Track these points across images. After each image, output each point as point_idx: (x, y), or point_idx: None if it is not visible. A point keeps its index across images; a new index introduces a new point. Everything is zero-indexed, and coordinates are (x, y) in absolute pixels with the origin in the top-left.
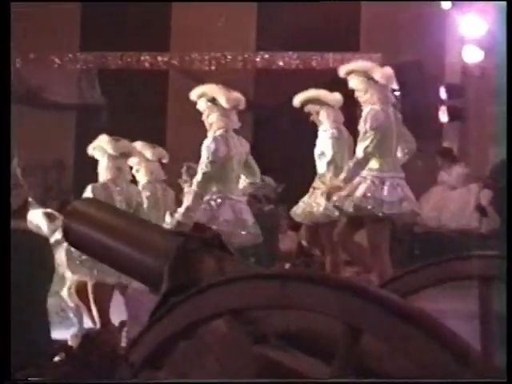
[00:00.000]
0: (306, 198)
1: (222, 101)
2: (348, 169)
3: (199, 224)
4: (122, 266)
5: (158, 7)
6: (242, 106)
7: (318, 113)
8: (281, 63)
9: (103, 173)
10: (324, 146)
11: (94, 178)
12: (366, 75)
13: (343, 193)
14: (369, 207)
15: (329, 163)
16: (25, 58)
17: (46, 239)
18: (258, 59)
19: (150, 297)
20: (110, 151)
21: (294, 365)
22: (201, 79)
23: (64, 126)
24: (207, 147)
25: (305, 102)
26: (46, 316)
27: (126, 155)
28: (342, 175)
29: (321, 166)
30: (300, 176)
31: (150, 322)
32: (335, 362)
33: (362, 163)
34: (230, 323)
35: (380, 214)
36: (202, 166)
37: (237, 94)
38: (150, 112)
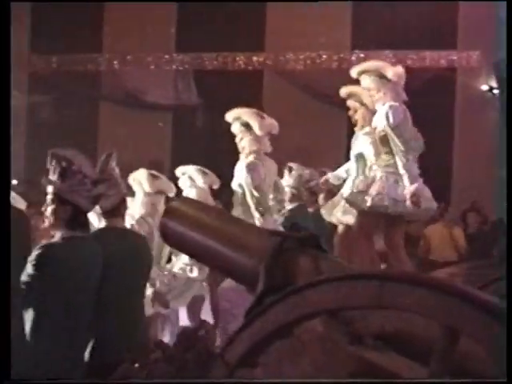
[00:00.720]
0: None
1: (256, 127)
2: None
3: (296, 224)
4: (218, 264)
5: (253, 7)
6: (276, 131)
7: (356, 111)
8: None
9: (137, 207)
10: (363, 147)
11: None
12: (378, 74)
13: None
14: (385, 204)
15: (366, 167)
16: (122, 60)
17: (143, 237)
18: (353, 58)
19: (246, 296)
20: (147, 189)
21: (390, 366)
22: (295, 79)
23: (161, 127)
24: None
25: (348, 96)
26: (143, 312)
27: (162, 193)
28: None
29: (355, 168)
30: None
31: (246, 321)
32: (433, 364)
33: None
34: (326, 323)
35: (394, 212)
36: (252, 191)
37: (270, 121)
38: None
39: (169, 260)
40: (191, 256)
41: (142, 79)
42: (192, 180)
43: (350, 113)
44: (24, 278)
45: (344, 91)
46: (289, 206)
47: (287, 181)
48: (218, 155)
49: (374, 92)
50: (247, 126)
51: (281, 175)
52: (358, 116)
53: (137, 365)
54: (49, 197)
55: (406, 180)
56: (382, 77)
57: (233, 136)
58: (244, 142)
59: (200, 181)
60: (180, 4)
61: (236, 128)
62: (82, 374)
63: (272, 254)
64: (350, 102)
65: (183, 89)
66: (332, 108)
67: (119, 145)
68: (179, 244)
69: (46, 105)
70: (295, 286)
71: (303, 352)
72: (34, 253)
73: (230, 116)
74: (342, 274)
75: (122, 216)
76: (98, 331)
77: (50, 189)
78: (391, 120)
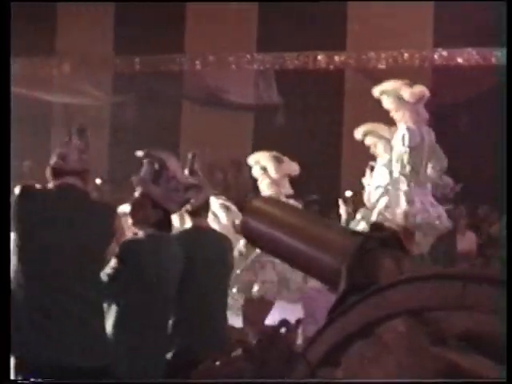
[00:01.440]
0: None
1: (272, 171)
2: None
3: (378, 223)
4: (299, 263)
5: (334, 6)
6: (296, 173)
7: (375, 145)
8: (459, 60)
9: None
10: (382, 180)
11: None
12: (396, 94)
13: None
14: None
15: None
16: (204, 60)
17: (225, 237)
18: (435, 56)
19: (327, 295)
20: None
21: (473, 367)
22: (377, 78)
23: (242, 126)
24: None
25: (364, 134)
26: (225, 310)
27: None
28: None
29: (375, 197)
30: (479, 175)
31: (328, 320)
32: None
33: (399, 183)
34: (409, 323)
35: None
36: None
37: (289, 164)
38: (327, 111)
39: None
40: (273, 255)
41: (223, 79)
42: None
43: (372, 150)
44: (107, 270)
45: (360, 132)
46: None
47: (368, 180)
48: (299, 154)
49: (393, 112)
50: (265, 170)
51: (363, 175)
52: (378, 150)
53: (218, 363)
54: (137, 195)
55: (401, 201)
56: (400, 97)
57: (313, 134)
58: (262, 186)
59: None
60: (261, 4)
61: (256, 172)
62: (163, 371)
63: (354, 253)
64: (369, 139)
65: (264, 88)
66: None
67: (201, 144)
68: (260, 242)
69: (129, 105)
70: (377, 286)
71: (385, 351)
72: (119, 247)
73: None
74: (424, 273)
75: (206, 216)
76: (179, 329)
77: (139, 188)
78: (406, 142)
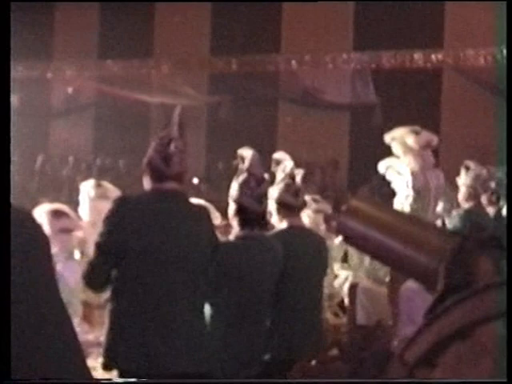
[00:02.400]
0: None
1: (411, 142)
2: None
3: (477, 224)
4: (396, 264)
5: (431, 4)
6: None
7: (395, 181)
8: None
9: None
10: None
11: (367, 176)
12: (403, 141)
13: None
14: None
15: None
16: (300, 59)
17: (320, 236)
18: None
19: (423, 296)
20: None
21: None
22: (476, 77)
23: (338, 126)
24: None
25: (386, 169)
26: (321, 310)
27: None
28: None
29: None
30: None
31: (426, 321)
32: None
33: None
34: (507, 325)
35: None
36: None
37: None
38: (424, 111)
39: None
40: (370, 255)
41: (319, 79)
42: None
43: (392, 185)
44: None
45: (383, 165)
46: (465, 205)
47: (464, 179)
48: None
49: (402, 158)
50: (405, 145)
51: (457, 173)
52: (395, 185)
53: (314, 362)
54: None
55: None
56: (406, 144)
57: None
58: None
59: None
60: (357, 3)
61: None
62: (260, 372)
63: (452, 254)
64: (389, 175)
65: (361, 88)
66: None
67: (297, 144)
68: (358, 243)
69: (225, 105)
70: (475, 288)
71: (484, 353)
72: (213, 249)
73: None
74: None
75: (300, 215)
76: (276, 330)
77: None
78: (410, 187)
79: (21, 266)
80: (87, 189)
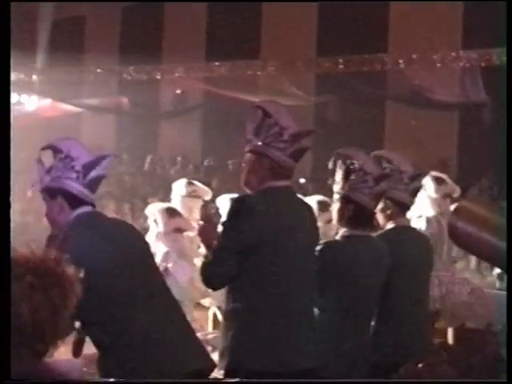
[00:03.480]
0: None
1: (431, 191)
2: None
3: None
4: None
5: None
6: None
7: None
8: None
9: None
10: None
11: (477, 176)
12: (424, 188)
13: None
14: None
15: None
16: (408, 58)
17: (425, 236)
18: None
19: None
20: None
21: None
22: None
23: (447, 125)
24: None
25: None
26: (427, 311)
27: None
28: None
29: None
30: None
31: None
32: None
33: None
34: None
35: None
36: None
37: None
38: None
39: None
40: (480, 257)
41: (428, 77)
42: None
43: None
44: None
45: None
46: None
47: None
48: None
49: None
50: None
51: None
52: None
53: (420, 365)
54: (334, 195)
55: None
56: (426, 191)
57: None
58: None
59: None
60: (465, 2)
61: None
62: (366, 372)
63: None
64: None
65: (470, 86)
66: None
67: (405, 144)
68: (469, 245)
69: (332, 105)
70: None
71: None
72: (318, 249)
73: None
74: None
75: (407, 215)
76: (383, 330)
77: (335, 187)
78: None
79: (131, 271)
80: (179, 187)
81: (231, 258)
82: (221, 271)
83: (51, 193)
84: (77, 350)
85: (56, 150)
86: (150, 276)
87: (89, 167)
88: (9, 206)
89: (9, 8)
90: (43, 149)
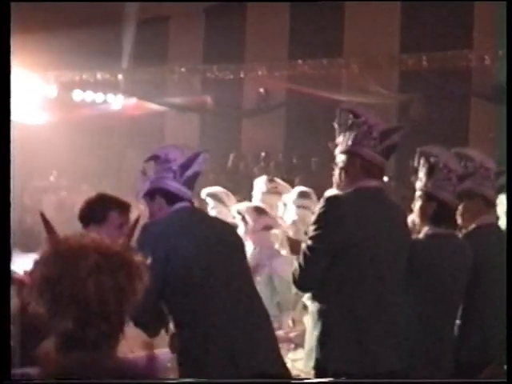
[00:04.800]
0: None
1: None
2: None
3: None
4: None
5: None
6: None
7: None
8: None
9: None
10: None
11: None
12: None
13: None
14: None
15: None
16: (494, 55)
17: (504, 234)
18: None
19: None
20: None
21: None
22: None
23: None
24: None
25: None
26: None
27: None
28: None
29: None
30: None
31: None
32: None
33: None
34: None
35: None
36: None
37: None
38: None
39: None
40: None
41: None
42: None
43: None
44: None
45: None
46: None
47: None
48: None
49: None
50: None
51: None
52: None
53: (506, 366)
54: (417, 193)
55: None
56: None
57: None
58: None
59: None
60: None
61: None
62: (451, 371)
63: None
64: None
65: None
66: None
67: (490, 142)
68: None
69: (416, 103)
70: None
71: None
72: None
73: None
74: None
75: (494, 212)
76: (468, 330)
77: (418, 185)
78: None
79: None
80: (260, 184)
81: (320, 258)
82: (310, 272)
83: (151, 194)
84: (173, 345)
85: (155, 158)
86: (237, 273)
87: (185, 166)
88: (9, 206)
89: (9, 8)
90: (146, 161)
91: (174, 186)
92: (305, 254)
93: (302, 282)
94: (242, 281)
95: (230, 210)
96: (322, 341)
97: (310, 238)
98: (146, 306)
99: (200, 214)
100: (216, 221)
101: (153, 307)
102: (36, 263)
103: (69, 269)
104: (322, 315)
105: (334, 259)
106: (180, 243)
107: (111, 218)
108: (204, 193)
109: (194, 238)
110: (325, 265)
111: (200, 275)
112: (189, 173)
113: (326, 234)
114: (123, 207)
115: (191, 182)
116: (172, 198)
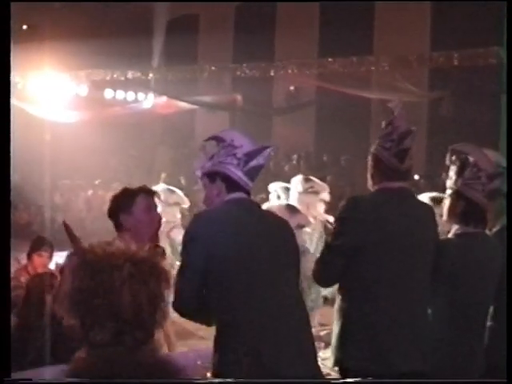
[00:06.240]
0: None
1: None
2: None
3: None
4: None
5: None
6: None
7: None
8: None
9: None
10: None
11: None
12: None
13: None
14: None
15: None
16: None
17: None
18: None
19: None
20: None
21: None
22: None
23: None
24: None
25: None
26: None
27: None
28: None
29: None
30: None
31: None
32: None
33: None
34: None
35: None
36: None
37: None
38: None
39: None
40: None
41: None
42: None
43: None
44: None
45: None
46: None
47: None
48: None
49: None
50: None
51: None
52: None
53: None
54: (447, 191)
55: None
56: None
57: None
58: None
59: None
60: None
61: None
62: (481, 373)
63: None
64: None
65: None
66: None
67: None
68: None
69: (446, 100)
70: None
71: None
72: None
73: None
74: None
75: None
76: (498, 331)
77: (448, 183)
78: None
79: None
80: (296, 183)
81: (339, 256)
82: (328, 269)
83: (212, 176)
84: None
85: (219, 140)
86: (282, 271)
87: (250, 155)
88: (9, 206)
89: (9, 8)
90: (206, 140)
91: (236, 173)
92: (323, 251)
93: (318, 277)
94: (287, 278)
95: None
96: (342, 339)
97: (330, 236)
98: (191, 293)
99: (255, 207)
100: (270, 215)
101: (197, 294)
102: (64, 274)
103: (103, 280)
104: (342, 314)
105: (352, 258)
106: (229, 237)
107: (138, 202)
108: None
109: (245, 231)
110: (340, 262)
111: (243, 270)
112: (253, 163)
113: (343, 233)
114: (148, 192)
115: (253, 174)
116: (233, 185)
